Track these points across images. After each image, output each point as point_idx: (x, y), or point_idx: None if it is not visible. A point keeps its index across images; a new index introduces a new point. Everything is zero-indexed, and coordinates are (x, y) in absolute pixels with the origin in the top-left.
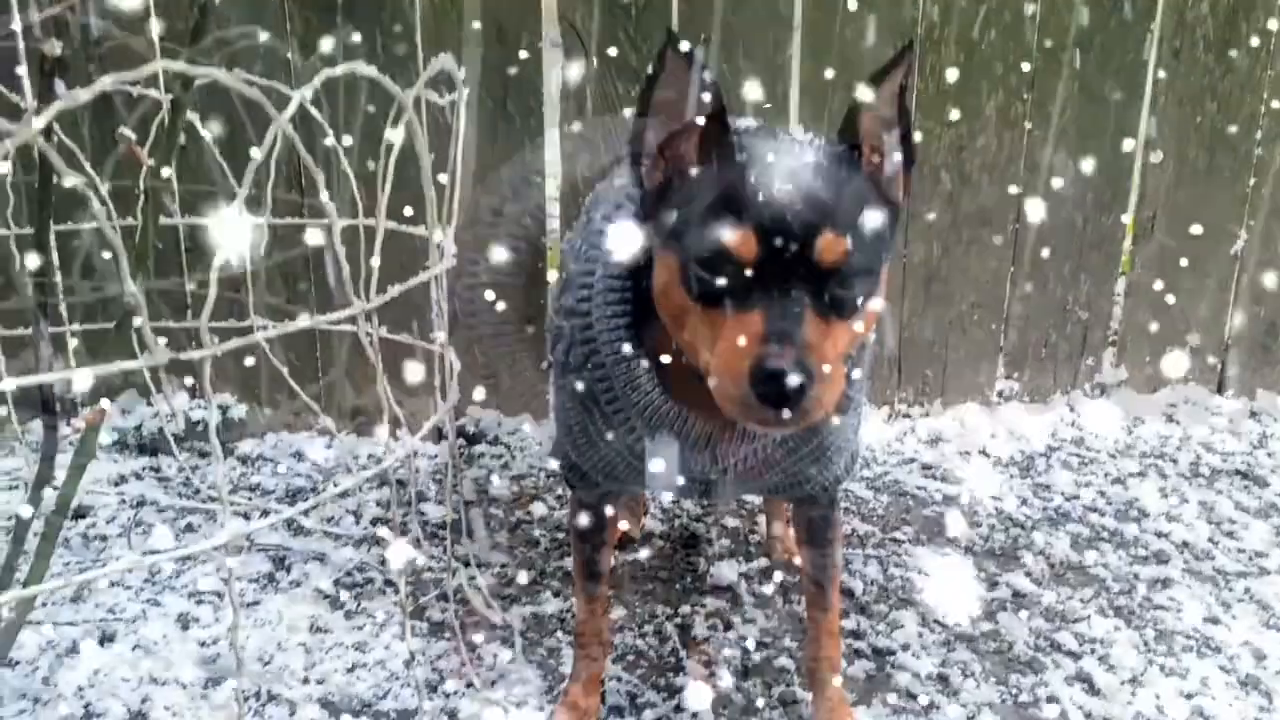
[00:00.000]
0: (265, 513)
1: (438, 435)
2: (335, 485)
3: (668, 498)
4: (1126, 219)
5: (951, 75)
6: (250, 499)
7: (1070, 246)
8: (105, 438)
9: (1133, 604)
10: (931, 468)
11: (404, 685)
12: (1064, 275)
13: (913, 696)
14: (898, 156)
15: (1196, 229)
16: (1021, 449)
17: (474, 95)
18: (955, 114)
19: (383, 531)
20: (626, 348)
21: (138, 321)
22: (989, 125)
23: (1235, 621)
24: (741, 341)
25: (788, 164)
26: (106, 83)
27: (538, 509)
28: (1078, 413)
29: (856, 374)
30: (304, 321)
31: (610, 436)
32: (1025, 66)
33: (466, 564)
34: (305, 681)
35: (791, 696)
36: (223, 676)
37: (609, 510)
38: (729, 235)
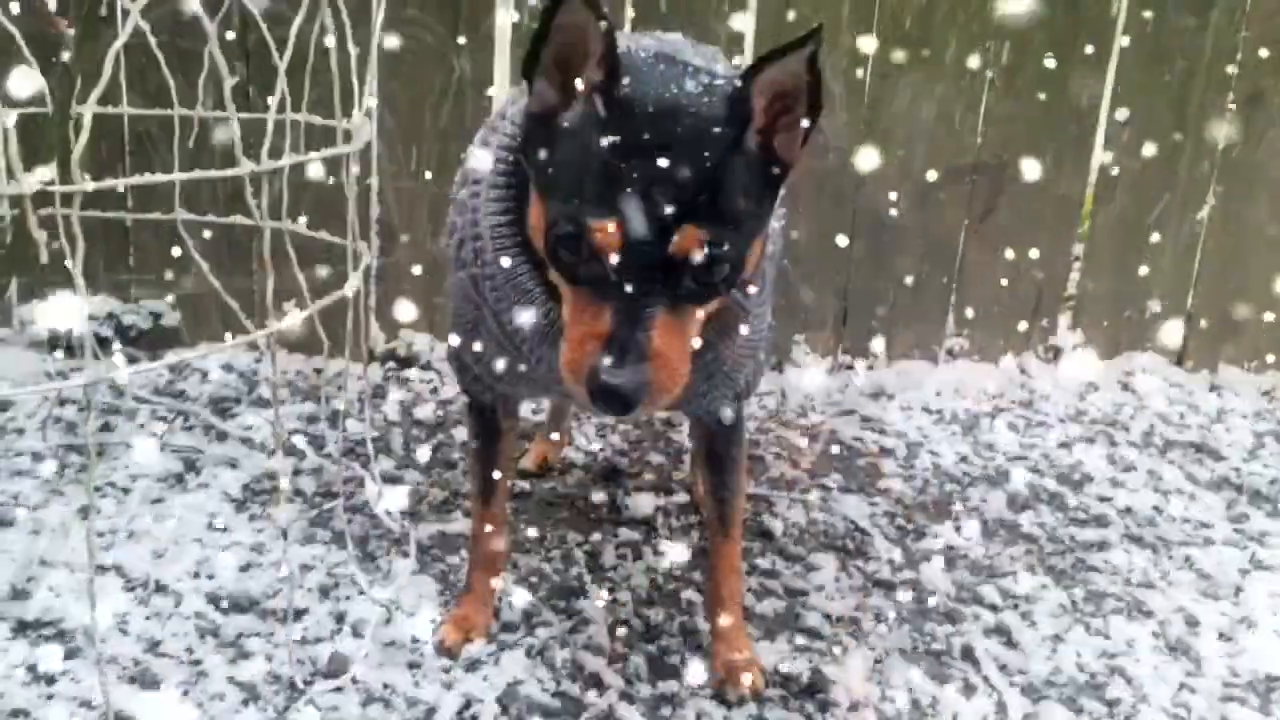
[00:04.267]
0: (184, 415)
1: (369, 357)
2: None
3: (591, 426)
4: (1088, 178)
5: (910, 18)
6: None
7: (1028, 203)
8: (38, 334)
9: (1064, 564)
10: (871, 420)
11: (297, 587)
12: (1021, 233)
13: (820, 636)
14: (800, 109)
15: (1161, 191)
16: (967, 408)
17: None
18: (912, 60)
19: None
20: (509, 243)
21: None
22: (948, 73)
23: (1171, 588)
24: (587, 333)
25: (666, 131)
26: None
27: (460, 433)
28: (1028, 375)
29: (755, 290)
30: (179, 175)
31: (497, 334)
32: (989, 12)
33: (380, 481)
34: (195, 576)
35: (693, 626)
36: (113, 564)
37: (505, 416)
38: (592, 224)
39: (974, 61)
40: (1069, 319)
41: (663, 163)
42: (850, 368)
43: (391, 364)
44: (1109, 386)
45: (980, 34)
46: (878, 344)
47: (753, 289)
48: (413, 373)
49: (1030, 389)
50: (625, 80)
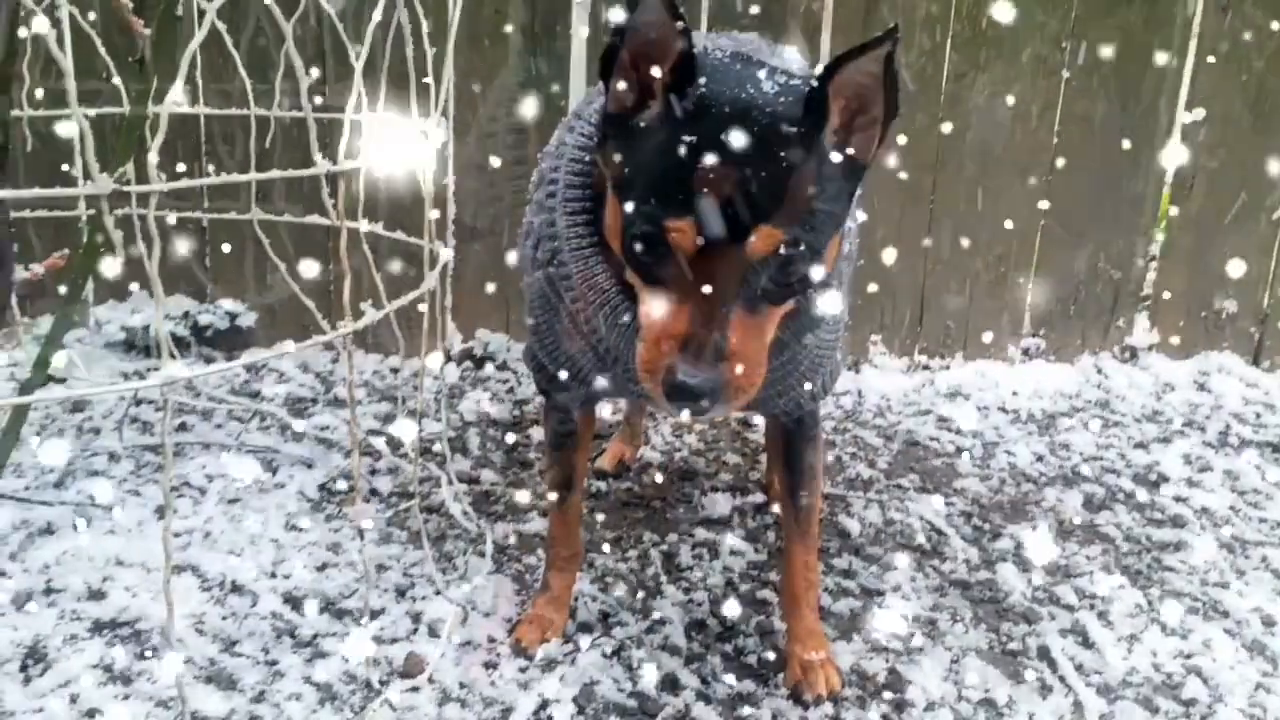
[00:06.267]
0: (260, 415)
1: (445, 357)
2: (335, 395)
3: (667, 426)
4: (1165, 177)
5: (988, 19)
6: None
7: (1105, 202)
8: (114, 334)
9: (1141, 564)
10: (947, 420)
11: (373, 587)
12: (1097, 232)
13: (896, 636)
14: (877, 110)
15: (1237, 190)
16: (1043, 407)
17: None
18: (991, 59)
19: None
20: (585, 243)
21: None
22: (1025, 73)
23: (1248, 588)
24: (663, 333)
25: (743, 130)
26: None
27: (536, 433)
28: (1105, 375)
29: (834, 295)
30: (261, 174)
31: (574, 334)
32: (1066, 11)
33: (456, 481)
34: (272, 575)
35: (769, 626)
36: (189, 564)
37: (581, 417)
38: (669, 224)
39: (1051, 60)
40: (1145, 318)
41: (739, 163)
42: (927, 368)
43: (468, 364)
44: (1185, 386)
45: (1057, 32)
46: (954, 344)
47: (830, 289)
48: (489, 372)
49: (1106, 389)
50: (701, 80)
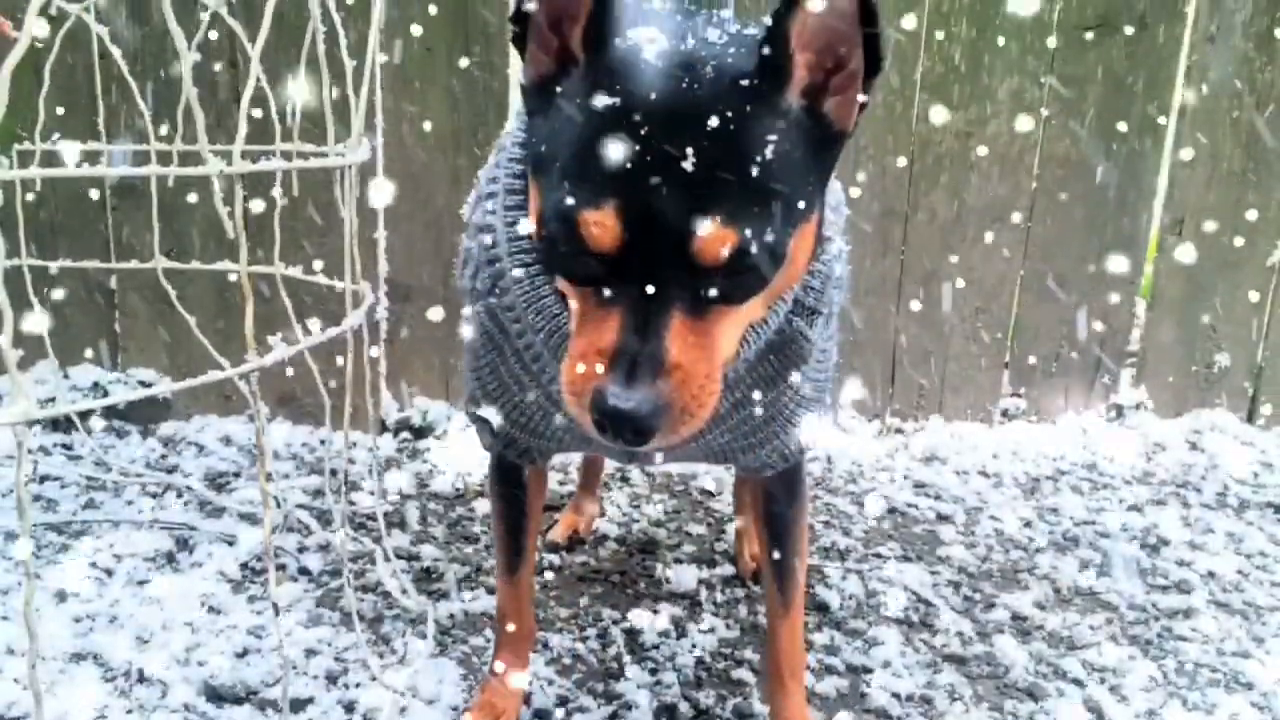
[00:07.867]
0: (178, 492)
1: (380, 427)
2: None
3: (624, 495)
4: (1151, 223)
5: (961, 52)
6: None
7: (1088, 250)
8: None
9: (1150, 633)
10: (924, 486)
11: (300, 674)
12: (1080, 282)
13: (889, 717)
14: (855, 64)
15: (1229, 236)
16: (1026, 471)
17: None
18: (964, 96)
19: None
20: (530, 258)
21: None
22: (1002, 111)
23: (1269, 657)
24: (590, 346)
25: (678, 90)
26: None
27: (481, 506)
28: (1090, 435)
29: (821, 327)
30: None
31: (522, 377)
32: (1044, 46)
33: (393, 556)
34: (184, 663)
35: (748, 709)
36: (90, 652)
37: (533, 477)
38: (585, 215)
39: (1029, 98)
40: (1132, 375)
41: (672, 134)
42: (899, 431)
43: (406, 435)
44: (1176, 446)
45: (1035, 70)
46: (928, 405)
47: (818, 317)
48: (429, 442)
49: (1092, 450)
50: (629, 34)
